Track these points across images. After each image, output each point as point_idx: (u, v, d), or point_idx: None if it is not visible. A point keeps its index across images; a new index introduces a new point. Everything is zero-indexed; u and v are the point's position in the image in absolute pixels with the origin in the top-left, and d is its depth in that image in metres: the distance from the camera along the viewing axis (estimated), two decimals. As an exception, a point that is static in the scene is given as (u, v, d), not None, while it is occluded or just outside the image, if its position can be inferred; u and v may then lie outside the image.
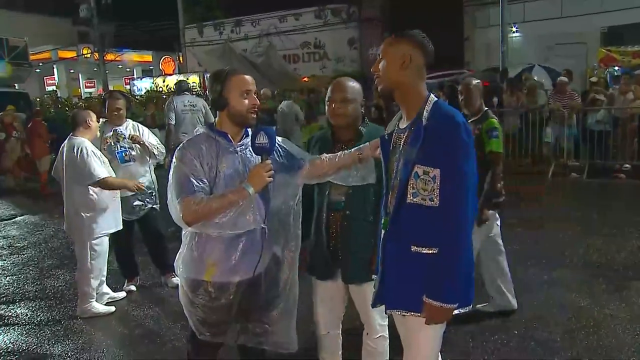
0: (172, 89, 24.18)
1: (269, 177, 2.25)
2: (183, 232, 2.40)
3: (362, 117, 2.68)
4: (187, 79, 22.88)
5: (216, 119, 2.41)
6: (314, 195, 2.72)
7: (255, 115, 2.36)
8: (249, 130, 2.40)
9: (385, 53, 2.13)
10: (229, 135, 2.35)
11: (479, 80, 3.95)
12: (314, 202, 2.72)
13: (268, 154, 2.29)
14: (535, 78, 12.54)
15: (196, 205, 2.17)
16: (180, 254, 2.42)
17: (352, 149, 2.45)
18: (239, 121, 2.35)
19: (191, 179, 2.22)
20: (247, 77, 2.36)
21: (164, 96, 18.57)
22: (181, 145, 2.36)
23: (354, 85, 2.64)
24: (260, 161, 2.29)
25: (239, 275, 2.34)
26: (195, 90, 19.18)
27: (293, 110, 11.66)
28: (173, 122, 7.18)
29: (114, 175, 4.42)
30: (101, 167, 4.25)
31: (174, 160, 2.31)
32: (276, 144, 2.36)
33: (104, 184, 4.25)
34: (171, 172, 2.29)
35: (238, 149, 2.36)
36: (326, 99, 2.65)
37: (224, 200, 2.21)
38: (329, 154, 2.51)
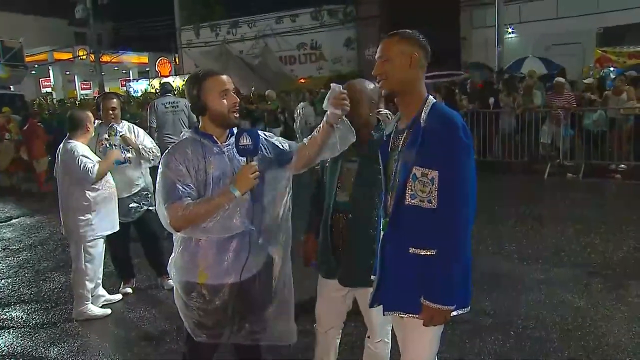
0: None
1: (255, 178, 2.23)
2: (174, 236, 2.39)
3: (377, 120, 2.65)
4: (184, 80, 22.85)
5: (199, 123, 2.39)
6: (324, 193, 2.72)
7: (237, 114, 2.35)
8: (234, 129, 2.38)
9: (390, 53, 2.10)
10: (214, 137, 2.34)
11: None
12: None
13: (252, 156, 2.27)
14: (528, 69, 12.59)
15: (183, 211, 2.17)
16: (172, 258, 2.42)
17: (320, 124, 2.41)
18: (221, 123, 2.33)
19: (177, 184, 2.21)
20: (223, 76, 2.33)
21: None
22: (167, 150, 2.35)
23: (367, 87, 2.60)
24: (245, 163, 2.27)
25: (231, 276, 2.33)
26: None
27: (305, 113, 11.68)
28: (154, 126, 7.14)
29: (111, 181, 4.40)
30: (91, 163, 4.19)
31: (160, 166, 2.30)
32: (261, 143, 2.34)
33: (99, 176, 4.21)
34: (158, 178, 2.29)
35: (224, 149, 2.35)
36: None
37: (211, 204, 2.20)
38: (307, 138, 2.49)
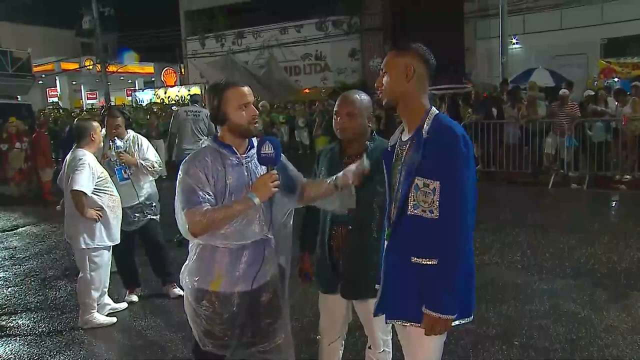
0: (173, 101, 24.26)
1: (275, 187, 2.25)
2: (190, 244, 2.41)
3: (371, 131, 2.67)
4: (189, 90, 23.07)
5: (219, 132, 2.41)
6: (318, 208, 2.72)
7: (257, 124, 2.37)
8: (254, 141, 2.40)
9: (388, 66, 2.15)
10: (234, 147, 2.35)
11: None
12: (319, 215, 2.72)
13: (274, 165, 2.28)
14: (536, 81, 12.60)
15: (202, 216, 2.18)
16: (185, 265, 2.43)
17: (330, 180, 2.45)
18: (241, 134, 2.36)
19: (197, 190, 2.23)
20: (244, 88, 2.36)
21: (172, 108, 18.78)
22: (187, 158, 2.38)
23: (362, 98, 2.61)
24: (265, 171, 2.29)
25: (242, 285, 2.35)
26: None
27: None
28: (174, 131, 7.35)
29: (115, 193, 4.42)
30: (88, 183, 4.18)
31: (179, 173, 2.32)
32: (281, 157, 2.36)
33: (75, 196, 4.15)
34: (177, 185, 2.31)
35: (244, 160, 2.36)
36: (334, 111, 2.64)
37: (230, 211, 2.22)
38: (317, 180, 2.53)
